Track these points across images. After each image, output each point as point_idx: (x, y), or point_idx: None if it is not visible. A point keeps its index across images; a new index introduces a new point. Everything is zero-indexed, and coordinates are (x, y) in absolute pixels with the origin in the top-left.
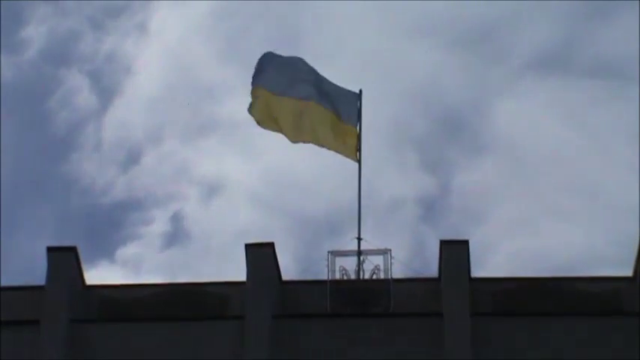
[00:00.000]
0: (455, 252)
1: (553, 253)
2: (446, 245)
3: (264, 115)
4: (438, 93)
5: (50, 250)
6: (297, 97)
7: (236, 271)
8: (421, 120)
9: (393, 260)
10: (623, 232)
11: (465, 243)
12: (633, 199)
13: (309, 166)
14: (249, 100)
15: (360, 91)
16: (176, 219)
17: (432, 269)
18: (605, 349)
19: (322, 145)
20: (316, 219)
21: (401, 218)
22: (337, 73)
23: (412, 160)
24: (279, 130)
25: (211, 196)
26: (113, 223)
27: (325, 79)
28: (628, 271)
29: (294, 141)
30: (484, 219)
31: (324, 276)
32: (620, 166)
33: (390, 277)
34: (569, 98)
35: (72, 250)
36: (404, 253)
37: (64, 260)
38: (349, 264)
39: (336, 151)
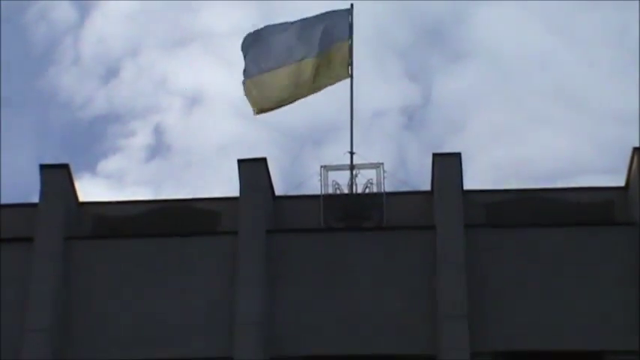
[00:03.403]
0: (447, 165)
1: (537, 161)
2: (438, 158)
3: (258, 101)
4: (419, 1)
5: (43, 167)
6: (289, 63)
7: (220, 182)
8: (403, 29)
9: (385, 174)
10: (608, 139)
11: (458, 155)
12: (616, 105)
13: None
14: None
15: (352, 5)
16: (157, 131)
17: (418, 180)
18: (597, 259)
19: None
20: (299, 131)
21: (385, 128)
22: None
23: (395, 70)
24: (279, 105)
25: (192, 108)
26: (94, 137)
27: (311, 18)
28: (614, 178)
29: (292, 101)
30: (467, 127)
31: (314, 190)
32: (605, 72)
33: (382, 190)
34: (552, 3)
35: (65, 168)
36: (388, 164)
37: (57, 177)
38: (342, 178)
39: (332, 82)
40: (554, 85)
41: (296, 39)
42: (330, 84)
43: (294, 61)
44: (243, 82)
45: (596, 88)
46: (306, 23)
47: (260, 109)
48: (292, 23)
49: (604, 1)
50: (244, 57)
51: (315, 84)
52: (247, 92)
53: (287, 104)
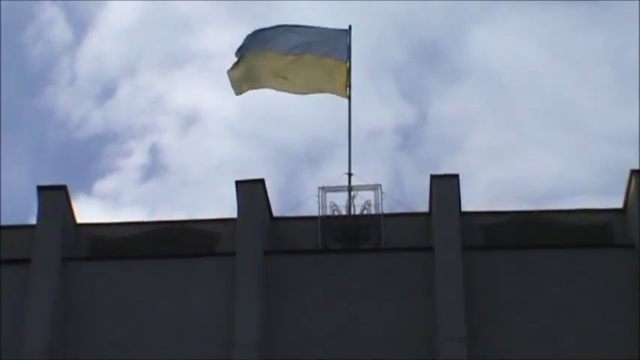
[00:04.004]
0: (445, 186)
1: (533, 181)
2: (436, 179)
3: (242, 79)
4: (416, 21)
5: (41, 189)
6: (284, 51)
7: (216, 202)
8: (398, 49)
9: (383, 195)
10: (603, 160)
11: (456, 177)
12: (612, 126)
13: (286, 97)
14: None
15: (350, 27)
16: (153, 151)
17: (414, 200)
18: (596, 282)
19: (314, 92)
20: (295, 150)
21: (380, 148)
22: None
23: (390, 90)
24: (263, 85)
25: (188, 128)
26: (90, 157)
27: (312, 27)
28: (610, 199)
29: (285, 90)
30: (462, 147)
31: (312, 211)
32: (599, 92)
33: (381, 212)
34: (547, 24)
35: (62, 189)
36: (384, 183)
37: (54, 199)
38: (339, 199)
39: (327, 91)
40: (550, 106)
41: (293, 34)
42: (326, 92)
43: (286, 50)
44: (235, 64)
45: (592, 109)
46: (305, 28)
47: (242, 89)
48: (292, 26)
49: (600, 22)
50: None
51: (309, 85)
52: (234, 71)
53: (275, 89)
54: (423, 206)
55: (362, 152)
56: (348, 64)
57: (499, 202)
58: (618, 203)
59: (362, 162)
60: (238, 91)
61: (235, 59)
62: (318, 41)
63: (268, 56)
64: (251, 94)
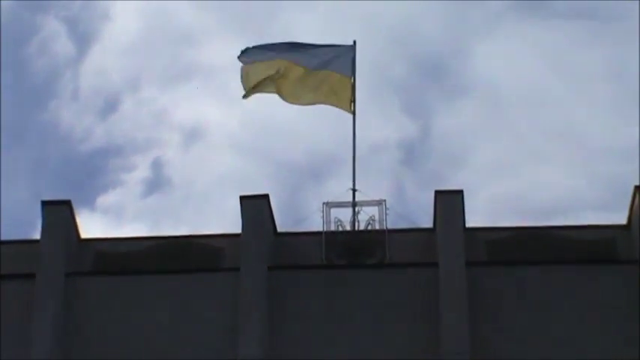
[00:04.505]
0: (449, 202)
1: (535, 196)
2: (441, 195)
3: (248, 84)
4: (418, 36)
5: (45, 203)
6: (288, 59)
7: (219, 217)
8: (401, 64)
9: (387, 211)
10: (606, 176)
11: (460, 193)
12: (614, 141)
13: (289, 112)
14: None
15: (355, 42)
16: (157, 166)
17: (417, 214)
18: (600, 298)
19: (318, 103)
20: (298, 164)
21: (383, 163)
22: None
23: (393, 105)
24: (271, 91)
25: (191, 142)
26: (93, 171)
27: (315, 45)
28: (612, 215)
29: (291, 102)
30: (465, 163)
31: (316, 226)
32: (603, 108)
33: (385, 227)
34: (549, 40)
35: (66, 204)
36: (386, 198)
37: (58, 214)
38: (343, 214)
39: (331, 104)
40: (553, 121)
41: (298, 52)
42: (332, 104)
43: (291, 61)
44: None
45: (594, 124)
46: (310, 45)
47: (248, 92)
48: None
49: (603, 38)
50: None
51: (314, 98)
52: (243, 77)
53: (278, 96)
54: (425, 220)
55: (364, 167)
56: (352, 79)
57: (501, 217)
58: (620, 218)
59: (364, 176)
60: (246, 95)
61: (240, 64)
62: (324, 57)
63: (274, 64)
64: (253, 108)
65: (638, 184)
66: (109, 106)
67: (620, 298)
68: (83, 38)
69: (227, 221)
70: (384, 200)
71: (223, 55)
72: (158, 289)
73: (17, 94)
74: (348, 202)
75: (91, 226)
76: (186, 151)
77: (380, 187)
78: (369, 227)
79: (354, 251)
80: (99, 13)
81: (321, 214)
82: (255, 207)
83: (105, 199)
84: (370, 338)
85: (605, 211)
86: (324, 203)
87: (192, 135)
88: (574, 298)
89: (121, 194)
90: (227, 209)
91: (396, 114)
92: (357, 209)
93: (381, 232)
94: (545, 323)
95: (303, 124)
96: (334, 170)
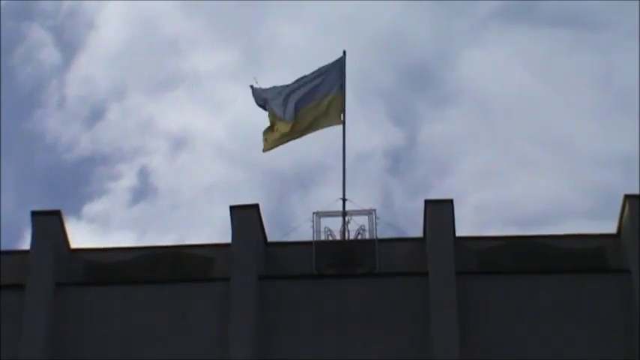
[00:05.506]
0: (439, 211)
1: (522, 203)
2: (430, 204)
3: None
4: (404, 44)
5: (35, 214)
6: (290, 118)
7: (206, 225)
8: (388, 72)
9: (377, 220)
10: (592, 183)
11: (450, 202)
12: (601, 149)
13: None
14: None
15: (344, 52)
16: (143, 174)
17: (405, 223)
18: (590, 307)
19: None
20: (285, 173)
21: (370, 171)
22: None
23: (380, 113)
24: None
25: (178, 150)
26: (79, 180)
27: (308, 75)
28: (599, 222)
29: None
30: (452, 170)
31: (306, 236)
32: (590, 115)
33: (375, 237)
34: (535, 47)
35: (56, 214)
36: (374, 206)
37: (48, 224)
38: (333, 224)
39: (323, 127)
40: (540, 129)
41: (293, 94)
42: (323, 127)
43: (290, 116)
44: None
45: (581, 132)
46: (302, 82)
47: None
48: (289, 85)
49: (590, 45)
50: (264, 106)
51: (309, 128)
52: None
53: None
54: (414, 229)
55: (352, 175)
56: (342, 93)
57: (489, 225)
58: (608, 226)
59: (352, 185)
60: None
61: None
62: (316, 84)
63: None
64: (240, 116)
65: (628, 192)
66: (95, 115)
67: (610, 308)
68: (69, 47)
69: (214, 230)
70: (374, 210)
71: (209, 63)
72: (148, 299)
73: (3, 103)
74: (338, 212)
75: (77, 234)
76: (173, 160)
77: (368, 196)
78: (359, 237)
79: (344, 261)
80: (84, 21)
81: (311, 224)
82: (245, 217)
83: (91, 208)
84: (360, 348)
85: (592, 219)
86: (314, 213)
87: (179, 143)
88: (564, 307)
89: (108, 203)
90: (214, 218)
91: (384, 122)
92: (347, 219)
93: (371, 242)
94: (535, 332)
95: None
96: (323, 179)
